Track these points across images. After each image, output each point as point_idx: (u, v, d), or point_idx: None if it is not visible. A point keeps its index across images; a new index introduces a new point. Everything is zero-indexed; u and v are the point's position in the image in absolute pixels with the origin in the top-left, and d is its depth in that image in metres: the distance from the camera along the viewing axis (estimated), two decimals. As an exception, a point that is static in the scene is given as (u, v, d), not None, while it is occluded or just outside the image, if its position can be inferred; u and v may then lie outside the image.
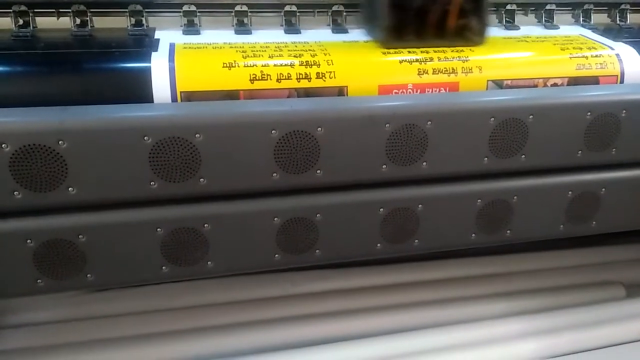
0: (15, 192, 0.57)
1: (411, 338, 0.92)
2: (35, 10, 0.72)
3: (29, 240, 0.60)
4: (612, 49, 0.80)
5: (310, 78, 0.67)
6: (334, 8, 0.81)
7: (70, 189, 0.58)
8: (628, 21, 0.93)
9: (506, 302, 1.03)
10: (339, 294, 1.03)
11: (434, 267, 1.10)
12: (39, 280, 0.62)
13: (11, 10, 0.71)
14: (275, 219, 0.67)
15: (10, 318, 0.94)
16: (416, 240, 0.74)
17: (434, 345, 0.91)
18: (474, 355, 0.90)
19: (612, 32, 0.89)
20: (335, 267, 1.07)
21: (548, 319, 0.98)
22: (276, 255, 0.69)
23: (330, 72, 0.68)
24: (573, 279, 1.12)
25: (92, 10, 0.73)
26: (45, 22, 0.74)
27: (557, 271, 1.13)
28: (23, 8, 0.71)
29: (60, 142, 0.56)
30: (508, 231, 0.77)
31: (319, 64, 0.68)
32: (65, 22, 0.73)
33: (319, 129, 0.63)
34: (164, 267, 0.65)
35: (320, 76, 0.68)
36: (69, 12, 0.72)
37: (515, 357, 0.90)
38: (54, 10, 0.73)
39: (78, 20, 0.73)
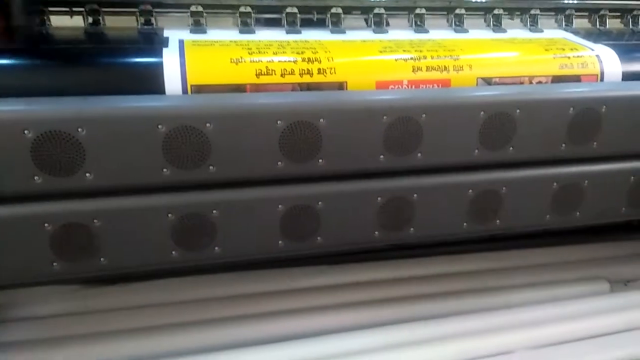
0: (35, 177, 0.60)
1: (410, 329, 0.95)
2: (50, 8, 0.76)
3: (46, 224, 0.63)
4: (592, 50, 0.86)
5: (312, 73, 0.72)
6: (333, 10, 0.86)
7: (87, 174, 0.61)
8: (607, 26, 1.00)
9: (501, 296, 1.07)
10: (335, 289, 1.06)
11: (428, 263, 1.14)
12: (54, 264, 0.65)
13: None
14: (280, 206, 0.70)
15: (13, 311, 0.96)
16: (412, 229, 0.77)
17: (430, 335, 0.95)
18: (468, 345, 0.93)
19: (593, 35, 0.95)
20: (332, 264, 1.10)
21: (539, 311, 1.02)
22: (280, 242, 0.72)
23: (331, 68, 0.73)
24: (562, 274, 1.16)
25: (104, 9, 0.77)
26: (58, 20, 0.78)
27: (548, 267, 1.18)
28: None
29: (79, 130, 0.59)
30: (497, 221, 0.81)
31: (320, 61, 0.73)
32: (78, 20, 0.77)
33: (321, 120, 0.67)
34: (173, 252, 0.68)
35: (322, 72, 0.72)
36: (82, 10, 0.76)
37: (508, 346, 0.94)
38: (67, 8, 0.76)
39: (90, 19, 0.77)
